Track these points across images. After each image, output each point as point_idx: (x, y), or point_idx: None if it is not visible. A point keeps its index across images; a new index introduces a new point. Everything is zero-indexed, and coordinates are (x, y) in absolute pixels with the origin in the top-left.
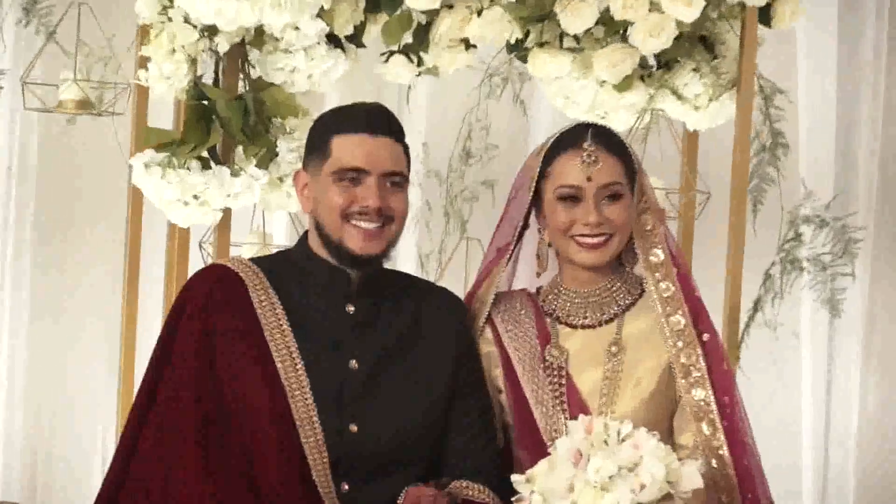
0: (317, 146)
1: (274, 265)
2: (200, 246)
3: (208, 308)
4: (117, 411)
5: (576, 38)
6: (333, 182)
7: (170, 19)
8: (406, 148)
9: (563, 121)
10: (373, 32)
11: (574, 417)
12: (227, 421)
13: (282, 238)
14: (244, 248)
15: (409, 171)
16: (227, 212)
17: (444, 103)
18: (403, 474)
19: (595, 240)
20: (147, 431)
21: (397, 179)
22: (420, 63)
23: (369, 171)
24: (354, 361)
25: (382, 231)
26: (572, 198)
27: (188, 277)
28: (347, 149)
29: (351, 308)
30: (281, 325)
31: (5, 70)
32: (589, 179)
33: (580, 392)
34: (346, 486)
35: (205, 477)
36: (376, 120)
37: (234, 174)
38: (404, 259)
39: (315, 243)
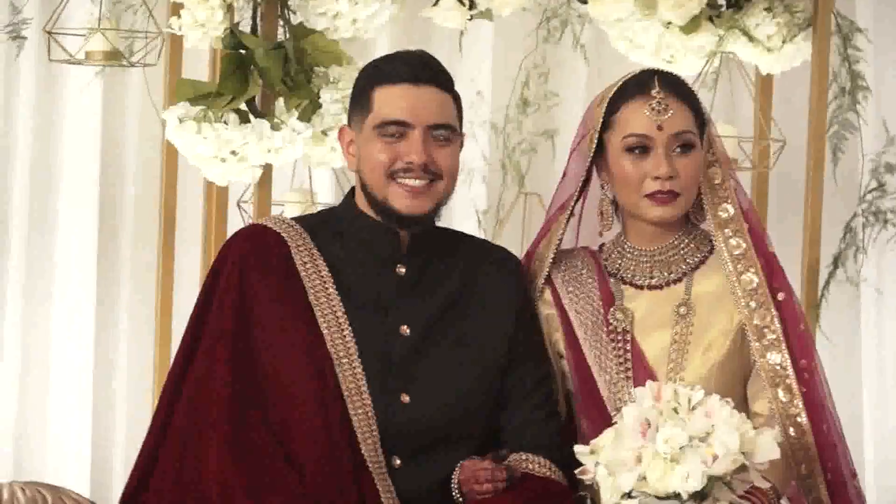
0: (358, 99)
1: (318, 224)
2: (239, 205)
3: (245, 272)
4: (153, 382)
5: None
6: (376, 137)
7: None
8: (455, 98)
9: (627, 66)
10: None
11: (640, 384)
12: (265, 393)
13: (327, 196)
14: (287, 207)
15: (459, 122)
16: (267, 168)
17: (499, 49)
18: (459, 448)
19: (665, 194)
20: (180, 405)
21: (444, 132)
22: (472, 6)
23: (413, 123)
24: (405, 326)
25: (430, 188)
26: (641, 148)
27: (226, 240)
28: (389, 101)
29: (400, 269)
30: (326, 287)
31: (29, 19)
32: (659, 128)
33: (646, 357)
34: (398, 462)
35: (235, 454)
36: (419, 68)
37: (275, 128)
38: (461, 215)
39: (361, 202)
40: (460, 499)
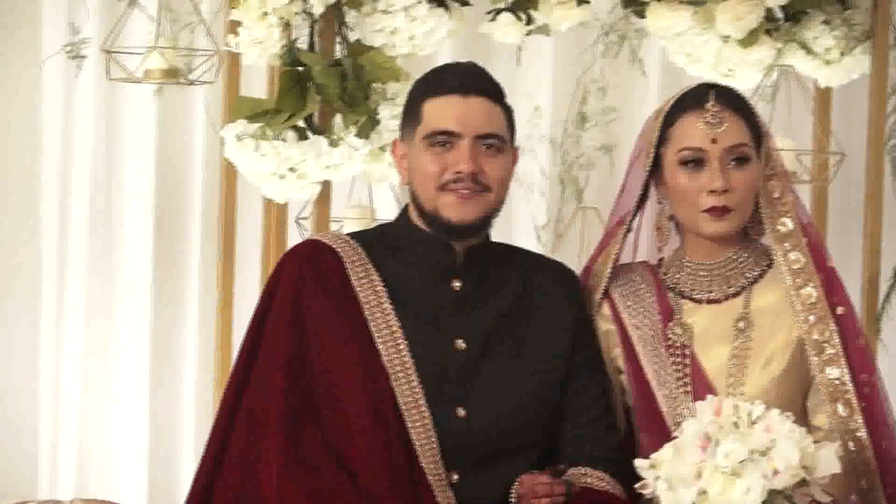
0: (409, 112)
1: (372, 239)
2: (297, 222)
3: (301, 288)
4: (213, 398)
5: None
6: (425, 148)
7: None
8: (506, 109)
9: (685, 80)
10: None
11: (699, 399)
12: (321, 408)
13: (387, 212)
14: (346, 223)
15: (511, 133)
16: (325, 185)
17: (557, 64)
18: (517, 462)
19: (720, 209)
20: (238, 420)
21: (493, 142)
22: (529, 21)
23: (461, 133)
24: (460, 340)
25: (478, 198)
26: (695, 162)
27: (282, 255)
28: (438, 111)
29: (456, 283)
30: (381, 302)
31: (88, 39)
32: (714, 142)
33: (706, 372)
34: (457, 476)
35: (292, 468)
36: (467, 79)
37: (333, 144)
38: (519, 230)
39: (414, 215)
40: None
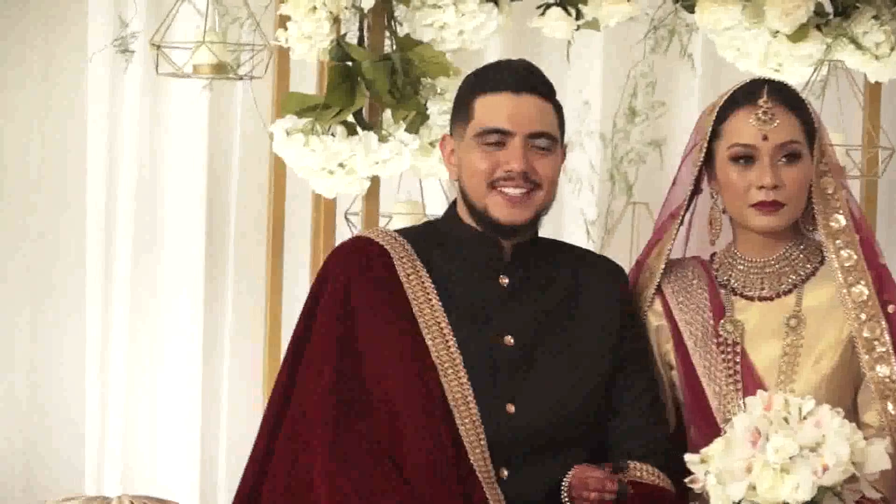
0: (459, 108)
1: (421, 236)
2: (346, 217)
3: (349, 284)
4: (261, 394)
5: None
6: (476, 146)
7: None
8: (557, 107)
9: (736, 75)
10: None
11: (749, 396)
12: (370, 403)
13: (437, 207)
14: (395, 218)
15: (561, 132)
16: (374, 180)
17: (606, 59)
18: (567, 457)
19: (770, 204)
20: (287, 416)
21: (544, 141)
22: (579, 16)
23: (513, 132)
24: (509, 336)
25: (529, 197)
26: (746, 158)
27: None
28: (489, 109)
29: (504, 279)
30: (429, 298)
31: (137, 33)
32: (765, 138)
33: (756, 369)
34: (506, 472)
35: (341, 464)
36: (520, 77)
37: (382, 139)
38: (569, 225)
39: (463, 211)
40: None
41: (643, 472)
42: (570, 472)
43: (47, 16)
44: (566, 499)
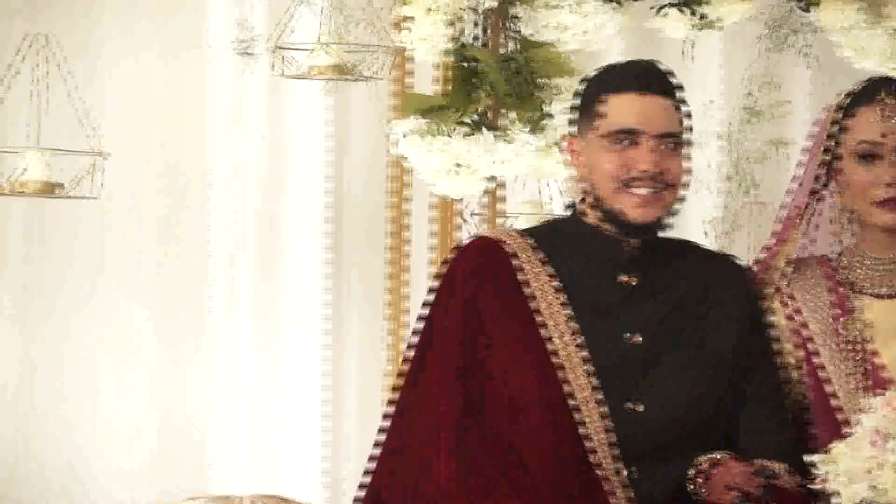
0: (586, 108)
1: (543, 234)
2: (469, 217)
3: (471, 284)
4: (383, 394)
5: None
6: (605, 146)
7: None
8: (681, 107)
9: (854, 74)
10: None
11: (875, 394)
12: (492, 403)
13: (559, 206)
14: (518, 218)
15: (687, 131)
16: (496, 180)
17: (727, 58)
18: (692, 456)
19: (893, 199)
20: (411, 412)
21: (673, 141)
22: (695, 16)
23: (643, 132)
24: (634, 335)
25: (660, 197)
26: (869, 156)
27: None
28: (619, 109)
29: (627, 278)
30: (552, 297)
31: (258, 35)
32: (888, 135)
33: (883, 367)
34: (633, 471)
35: (463, 465)
36: (648, 78)
37: (503, 139)
38: (690, 225)
39: (588, 210)
40: (693, 490)
41: (788, 477)
42: (696, 461)
43: (166, 18)
44: (693, 488)
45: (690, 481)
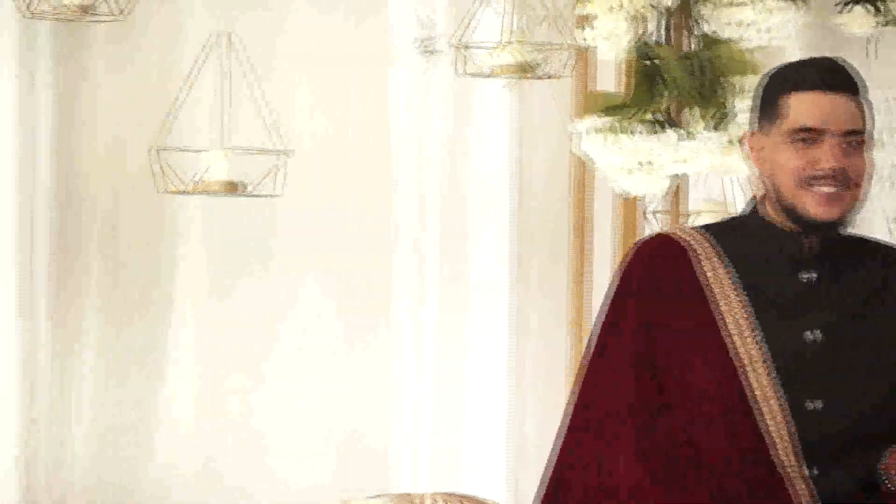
0: (767, 105)
1: (722, 232)
2: (650, 215)
3: (649, 281)
4: (565, 391)
5: None
6: (787, 144)
7: None
8: (864, 104)
9: None
10: None
11: None
12: (671, 400)
13: (742, 204)
14: (700, 216)
15: (870, 128)
16: (679, 178)
17: None
18: (874, 454)
19: None
20: (591, 409)
21: (855, 139)
22: (881, 13)
23: (826, 130)
24: (813, 332)
25: (842, 195)
26: None
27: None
28: (802, 108)
29: (807, 276)
30: (731, 294)
31: (441, 34)
32: None
33: None
34: (813, 469)
35: (643, 461)
36: (831, 75)
37: (686, 137)
38: (870, 223)
39: (769, 208)
40: (886, 481)
41: None
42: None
43: (350, 16)
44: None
45: (882, 474)
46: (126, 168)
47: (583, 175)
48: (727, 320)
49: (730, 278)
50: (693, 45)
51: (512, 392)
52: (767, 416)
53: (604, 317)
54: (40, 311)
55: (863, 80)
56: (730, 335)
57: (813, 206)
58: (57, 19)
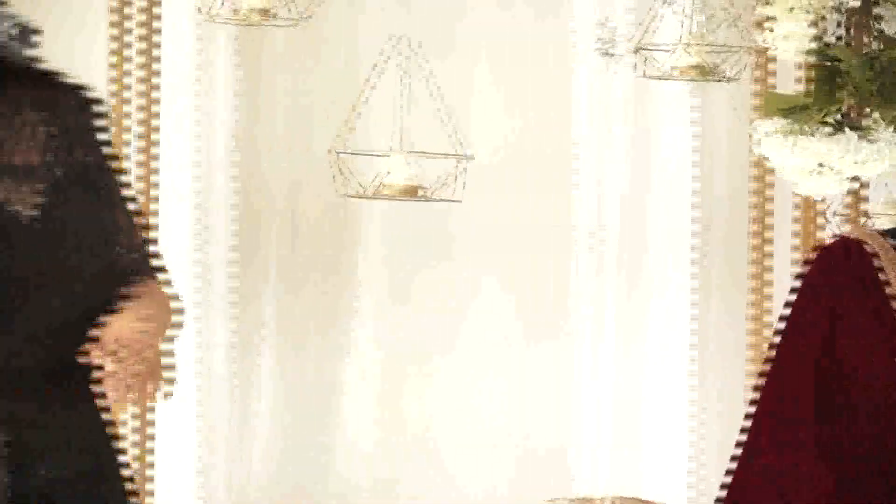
0: None
1: None
2: (831, 217)
3: (831, 285)
4: (743, 389)
5: None
6: None
7: None
8: None
9: None
10: None
11: None
12: (854, 407)
13: None
14: (881, 219)
15: None
16: (860, 180)
17: None
18: None
19: None
20: (769, 418)
21: None
22: None
23: None
24: None
25: None
26: None
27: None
28: None
29: None
30: None
31: (622, 35)
32: None
33: None
34: None
35: (825, 464)
36: None
37: (866, 139)
38: None
39: None
40: None
41: None
42: None
43: (530, 17)
44: None
45: None
46: (305, 171)
47: (763, 176)
48: None
49: None
50: (873, 46)
51: (693, 392)
52: None
53: (785, 318)
54: (217, 318)
55: None
56: None
57: None
58: (237, 23)
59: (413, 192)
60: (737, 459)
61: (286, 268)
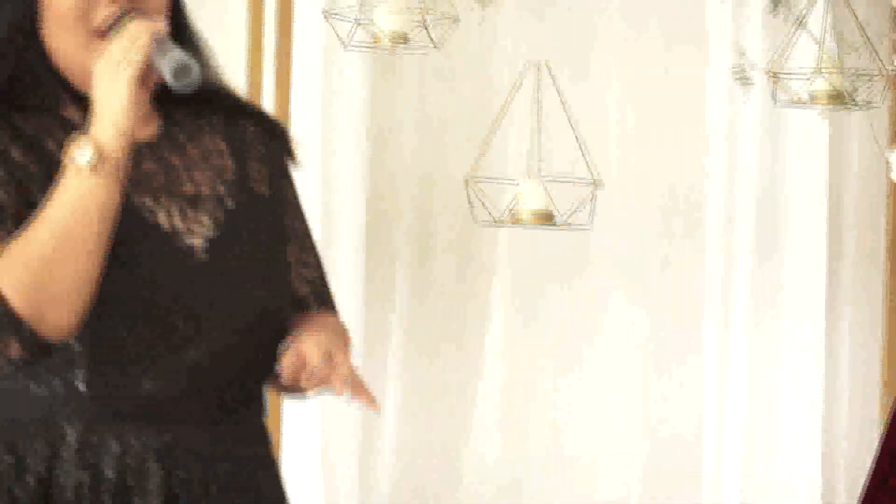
0: None
1: None
2: None
3: None
4: (880, 392)
5: None
6: None
7: None
8: None
9: None
10: None
11: None
12: None
13: None
14: None
15: None
16: None
17: None
18: None
19: None
20: None
21: None
22: None
23: None
24: None
25: None
26: None
27: None
28: None
29: None
30: None
31: (755, 63)
32: None
33: None
34: None
35: None
36: None
37: None
38: None
39: None
40: None
41: None
42: None
43: (664, 42)
44: None
45: None
46: (438, 197)
47: None
48: None
49: None
50: None
51: (826, 406)
52: None
53: None
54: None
55: None
56: None
57: None
58: (373, 49)
59: (548, 219)
60: (879, 464)
61: (416, 289)
